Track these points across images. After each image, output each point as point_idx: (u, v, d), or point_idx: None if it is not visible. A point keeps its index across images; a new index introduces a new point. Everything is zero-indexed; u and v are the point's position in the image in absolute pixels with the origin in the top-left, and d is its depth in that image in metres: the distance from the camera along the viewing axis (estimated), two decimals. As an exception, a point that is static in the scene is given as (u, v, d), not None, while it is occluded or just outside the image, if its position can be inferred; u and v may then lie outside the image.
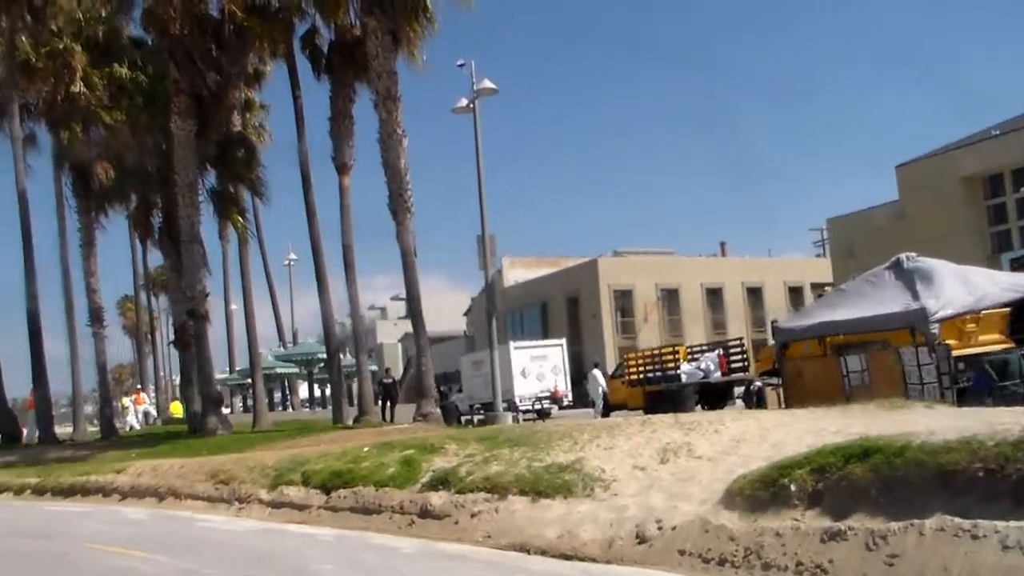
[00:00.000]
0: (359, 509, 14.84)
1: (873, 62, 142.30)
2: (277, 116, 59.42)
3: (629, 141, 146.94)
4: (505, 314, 65.25)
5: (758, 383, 25.78)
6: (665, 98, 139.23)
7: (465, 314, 79.15)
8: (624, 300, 63.47)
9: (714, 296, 65.75)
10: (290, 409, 62.01)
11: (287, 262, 71.95)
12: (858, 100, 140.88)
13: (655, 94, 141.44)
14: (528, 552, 10.99)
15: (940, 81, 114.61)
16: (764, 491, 9.79)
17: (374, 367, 43.05)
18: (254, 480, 17.88)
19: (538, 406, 36.42)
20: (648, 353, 33.70)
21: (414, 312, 30.89)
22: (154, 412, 54.67)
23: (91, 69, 38.20)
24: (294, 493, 16.59)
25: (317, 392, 70.47)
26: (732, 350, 31.49)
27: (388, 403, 36.09)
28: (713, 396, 29.34)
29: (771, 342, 24.41)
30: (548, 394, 37.13)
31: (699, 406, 28.10)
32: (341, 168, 33.29)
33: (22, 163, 38.88)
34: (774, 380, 22.89)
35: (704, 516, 10.01)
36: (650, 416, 17.84)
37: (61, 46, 38.18)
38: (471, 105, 29.67)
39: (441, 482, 14.12)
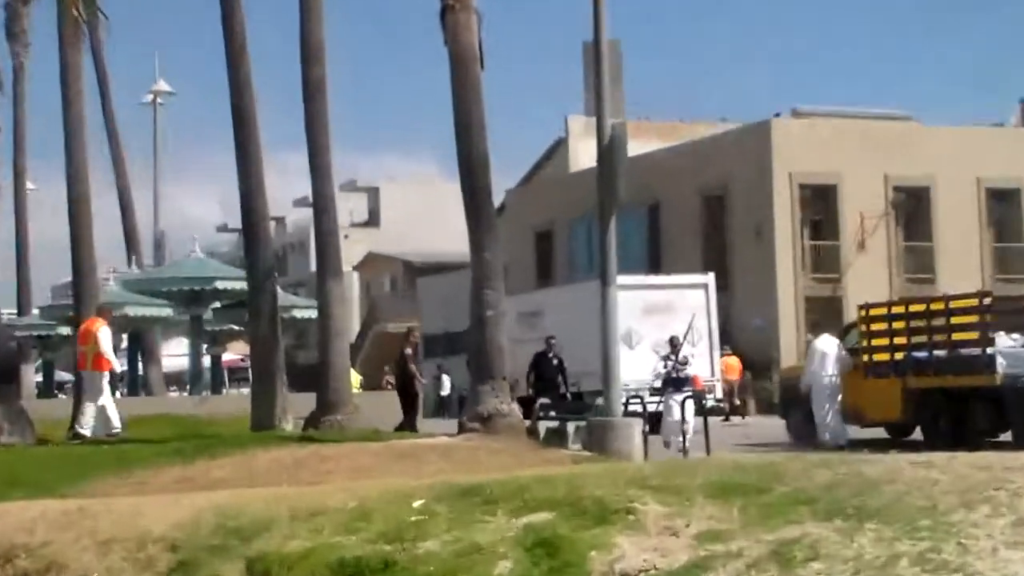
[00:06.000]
0: None
1: None
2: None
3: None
4: (573, 223, 39.38)
5: None
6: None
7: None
8: (820, 204, 36.01)
9: (1001, 200, 37.08)
10: (150, 389, 31.02)
11: (152, 97, 41.46)
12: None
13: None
14: None
15: None
16: None
17: (310, 313, 24.91)
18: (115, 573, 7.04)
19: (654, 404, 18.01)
20: (919, 306, 17.69)
21: (475, 190, 15.67)
22: None
23: None
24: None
25: (207, 360, 34.13)
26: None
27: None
28: None
29: None
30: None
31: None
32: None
33: None
34: None
35: None
36: None
37: None
38: None
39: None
